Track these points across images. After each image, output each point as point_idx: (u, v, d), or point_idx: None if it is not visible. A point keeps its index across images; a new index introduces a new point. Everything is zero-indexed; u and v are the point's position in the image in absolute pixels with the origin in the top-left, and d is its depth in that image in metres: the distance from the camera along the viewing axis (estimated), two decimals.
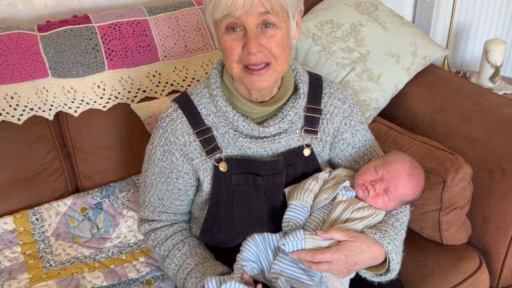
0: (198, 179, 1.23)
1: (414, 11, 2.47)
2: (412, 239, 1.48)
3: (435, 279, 1.40)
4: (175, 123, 1.17)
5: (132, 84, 1.60)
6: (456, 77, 1.87)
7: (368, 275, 1.16)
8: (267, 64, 1.07)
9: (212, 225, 1.22)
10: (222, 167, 1.17)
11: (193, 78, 1.66)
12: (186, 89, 1.63)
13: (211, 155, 1.16)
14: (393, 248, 1.12)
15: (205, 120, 1.17)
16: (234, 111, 1.15)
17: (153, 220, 1.28)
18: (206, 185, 1.20)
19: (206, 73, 1.67)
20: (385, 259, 1.13)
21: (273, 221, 1.20)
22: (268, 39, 1.04)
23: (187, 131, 1.16)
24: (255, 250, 1.16)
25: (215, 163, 1.17)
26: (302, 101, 1.19)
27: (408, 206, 1.25)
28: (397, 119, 1.81)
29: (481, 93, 1.71)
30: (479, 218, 1.51)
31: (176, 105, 1.18)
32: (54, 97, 1.53)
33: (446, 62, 2.30)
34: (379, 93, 1.74)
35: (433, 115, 1.71)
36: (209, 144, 1.16)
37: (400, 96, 1.81)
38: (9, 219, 1.45)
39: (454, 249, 1.47)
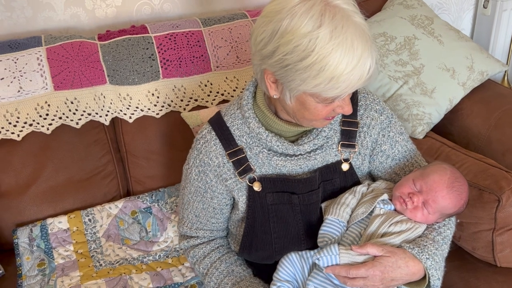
0: (233, 198, 1.23)
1: (473, 25, 2.40)
2: (463, 259, 1.43)
3: None
4: (209, 145, 1.18)
5: (184, 93, 1.64)
6: None
7: None
8: None
9: (250, 244, 1.22)
10: (256, 187, 1.17)
11: (243, 88, 1.68)
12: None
13: (243, 176, 1.17)
14: (433, 264, 1.08)
15: (238, 141, 1.18)
16: (267, 131, 1.15)
17: (191, 237, 1.31)
18: (242, 205, 1.20)
19: None
20: (425, 274, 1.09)
21: (311, 238, 1.19)
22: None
23: (220, 153, 1.18)
24: (291, 270, 1.15)
25: (248, 183, 1.18)
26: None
27: (453, 218, 1.20)
28: (452, 135, 1.76)
29: None
30: None
31: (210, 127, 1.20)
32: (111, 103, 1.59)
33: (506, 77, 2.21)
34: (432, 108, 1.69)
35: (490, 132, 1.65)
36: (241, 165, 1.17)
37: (455, 111, 1.76)
38: (63, 219, 1.52)
39: (509, 272, 1.40)
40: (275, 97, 1.09)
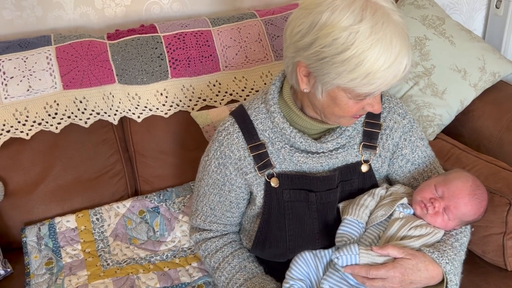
0: (251, 193, 1.23)
1: (485, 26, 2.37)
2: (474, 262, 1.42)
3: None
4: (231, 137, 1.18)
5: (193, 92, 1.64)
6: None
7: None
8: None
9: (264, 241, 1.22)
10: (274, 182, 1.17)
11: (252, 88, 1.68)
12: (245, 99, 1.66)
13: (262, 171, 1.17)
14: (452, 269, 1.08)
15: (261, 136, 1.17)
16: (291, 127, 1.15)
17: (204, 230, 1.30)
18: (259, 200, 1.20)
19: (265, 84, 1.68)
20: (443, 280, 1.09)
21: (326, 237, 1.19)
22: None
23: (242, 146, 1.18)
24: (304, 268, 1.15)
25: (266, 179, 1.18)
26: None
27: (468, 226, 1.20)
28: (462, 137, 1.74)
29: None
30: None
31: (233, 119, 1.19)
32: (120, 102, 1.59)
33: None
34: (443, 109, 1.68)
35: (501, 134, 1.64)
36: (261, 159, 1.17)
37: (466, 113, 1.74)
38: (71, 218, 1.52)
39: None
40: (305, 91, 1.08)
